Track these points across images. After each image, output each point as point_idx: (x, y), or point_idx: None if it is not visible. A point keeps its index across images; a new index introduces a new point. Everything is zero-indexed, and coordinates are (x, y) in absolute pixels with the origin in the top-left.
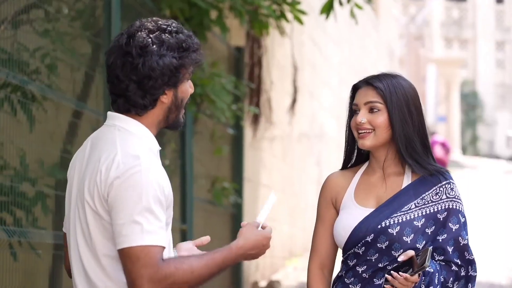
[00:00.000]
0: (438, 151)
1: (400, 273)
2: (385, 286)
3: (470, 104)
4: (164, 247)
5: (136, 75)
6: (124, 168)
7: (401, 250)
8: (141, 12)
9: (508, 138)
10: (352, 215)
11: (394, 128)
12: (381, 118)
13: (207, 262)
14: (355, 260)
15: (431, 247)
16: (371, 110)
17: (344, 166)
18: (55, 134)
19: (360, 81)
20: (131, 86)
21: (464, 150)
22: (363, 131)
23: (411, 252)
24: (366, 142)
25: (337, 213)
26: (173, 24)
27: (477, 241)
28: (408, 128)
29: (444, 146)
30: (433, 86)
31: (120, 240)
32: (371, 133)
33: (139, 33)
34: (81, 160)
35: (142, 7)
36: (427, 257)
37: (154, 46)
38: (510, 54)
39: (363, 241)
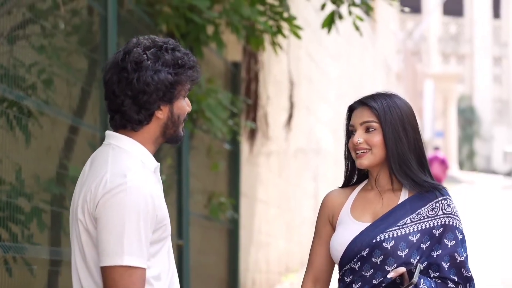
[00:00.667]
0: (436, 168)
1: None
2: None
3: (467, 119)
4: (145, 269)
5: (131, 90)
6: (110, 187)
7: (395, 265)
8: (137, 27)
9: (505, 153)
10: (348, 230)
11: (388, 147)
12: (377, 138)
13: None
14: (351, 276)
15: (420, 264)
16: (367, 130)
17: (345, 185)
18: (51, 149)
19: (355, 102)
20: (126, 101)
21: (461, 165)
22: (360, 151)
23: (401, 269)
24: (364, 162)
25: (334, 229)
26: (170, 42)
27: (474, 256)
28: (403, 147)
29: (443, 163)
30: (430, 101)
31: (103, 258)
32: (367, 153)
33: (135, 49)
34: (81, 179)
35: (138, 22)
36: (416, 273)
37: (149, 61)
38: (507, 69)
39: (358, 256)
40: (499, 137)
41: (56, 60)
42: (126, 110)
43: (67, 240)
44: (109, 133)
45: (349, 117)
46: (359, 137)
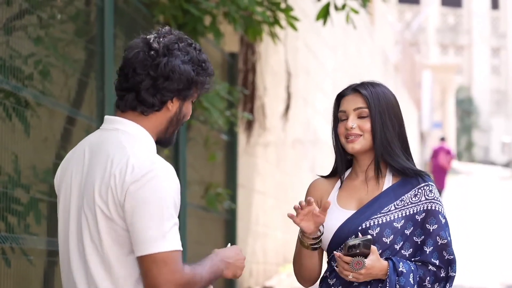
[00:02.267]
0: (441, 158)
1: (335, 251)
2: (335, 267)
3: (466, 110)
4: (181, 251)
5: (155, 71)
6: (141, 173)
7: (380, 251)
8: (134, 18)
9: (503, 144)
10: (334, 217)
11: (375, 133)
12: (369, 124)
13: (208, 268)
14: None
15: (369, 236)
16: (360, 116)
17: (332, 174)
18: (48, 140)
19: (346, 89)
20: (146, 81)
21: (460, 156)
22: (352, 136)
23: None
24: (356, 146)
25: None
26: (197, 44)
27: (472, 247)
28: (389, 133)
29: (448, 153)
30: (428, 92)
31: (143, 247)
32: (360, 137)
33: (169, 36)
34: (79, 166)
35: (135, 13)
36: (355, 239)
37: (180, 52)
38: (506, 60)
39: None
40: (497, 128)
41: (53, 50)
42: (142, 89)
43: None
44: (113, 118)
45: (337, 105)
46: (353, 122)
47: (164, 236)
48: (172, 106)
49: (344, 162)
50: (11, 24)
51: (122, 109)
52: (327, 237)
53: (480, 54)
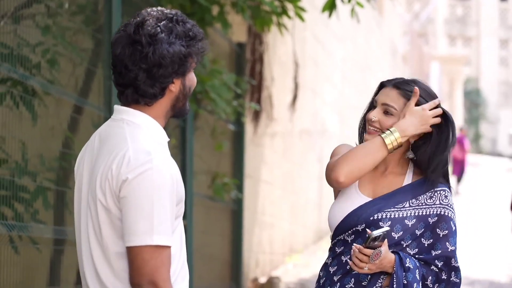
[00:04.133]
0: (455, 148)
1: (354, 244)
2: (348, 260)
3: (473, 101)
4: (170, 247)
5: (146, 63)
6: (136, 164)
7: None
8: (142, 7)
9: (510, 136)
10: (349, 200)
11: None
12: (391, 122)
13: None
14: (342, 248)
15: (388, 228)
16: (385, 112)
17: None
18: (56, 129)
19: (388, 80)
20: (140, 75)
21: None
22: (372, 128)
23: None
24: (370, 139)
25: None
26: (178, 13)
27: (478, 239)
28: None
29: (460, 143)
30: (436, 84)
31: (131, 238)
32: (377, 132)
33: (148, 21)
34: (90, 156)
35: (143, 2)
36: (379, 230)
37: (163, 34)
38: None
39: (353, 229)
40: (505, 120)
41: (60, 40)
42: (140, 84)
43: (71, 219)
44: (120, 108)
45: (377, 92)
46: (375, 114)
47: (152, 230)
48: (175, 87)
49: None
50: (19, 12)
51: (124, 104)
52: (338, 217)
53: (488, 46)
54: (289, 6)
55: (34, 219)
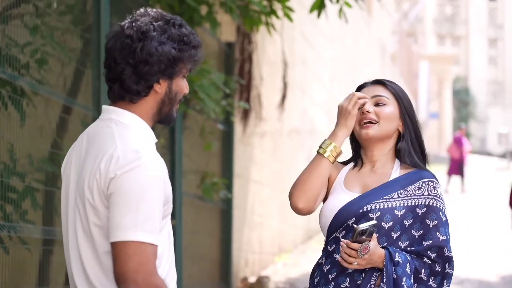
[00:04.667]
0: (452, 148)
1: (342, 239)
2: (337, 256)
3: (462, 100)
4: (157, 246)
5: (133, 58)
6: (124, 163)
7: (377, 236)
8: (130, 7)
9: (500, 135)
10: (338, 198)
11: (406, 119)
12: (387, 110)
13: None
14: (334, 245)
15: (375, 221)
16: (377, 104)
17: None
18: (44, 129)
19: (366, 82)
20: (126, 70)
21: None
22: (367, 121)
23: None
24: (370, 132)
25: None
26: (178, 18)
27: (467, 238)
28: (414, 124)
29: (457, 142)
30: (425, 83)
31: (116, 233)
32: (375, 124)
33: (143, 18)
34: (78, 156)
35: (131, 2)
36: (365, 224)
37: (155, 33)
38: (503, 51)
39: (344, 225)
40: (494, 119)
41: (49, 39)
42: (126, 79)
43: (60, 219)
44: (108, 108)
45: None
46: (370, 106)
47: (136, 226)
48: (160, 88)
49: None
50: (7, 12)
51: (112, 99)
52: (329, 217)
53: (477, 45)
54: (278, 6)
55: (23, 220)
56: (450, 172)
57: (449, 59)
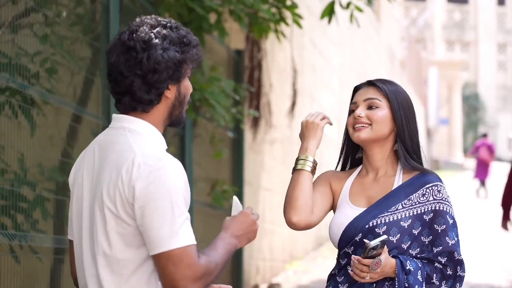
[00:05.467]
0: (483, 153)
1: (353, 256)
2: (349, 271)
3: (472, 106)
4: (196, 244)
5: (141, 69)
6: (147, 170)
7: (387, 250)
8: (139, 16)
9: (509, 140)
10: (344, 214)
11: (398, 122)
12: (379, 113)
13: (221, 251)
14: (346, 260)
15: (385, 236)
16: (369, 107)
17: (342, 169)
18: (54, 138)
19: (362, 83)
20: (136, 82)
21: (466, 153)
22: (359, 125)
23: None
24: (362, 135)
25: (332, 192)
26: (172, 21)
27: (477, 243)
28: (409, 126)
29: (490, 148)
30: (434, 89)
31: (158, 245)
32: (367, 127)
33: (141, 28)
34: (90, 165)
35: (140, 11)
36: (376, 240)
37: (157, 40)
38: None
39: (352, 241)
40: (504, 124)
41: (59, 49)
42: (136, 90)
43: None
44: (119, 116)
45: (353, 97)
46: (361, 111)
47: (177, 233)
48: (170, 93)
49: (353, 160)
50: (17, 22)
51: (122, 111)
52: (337, 233)
53: (486, 50)
54: (287, 13)
55: (34, 229)
56: (483, 176)
57: (458, 65)
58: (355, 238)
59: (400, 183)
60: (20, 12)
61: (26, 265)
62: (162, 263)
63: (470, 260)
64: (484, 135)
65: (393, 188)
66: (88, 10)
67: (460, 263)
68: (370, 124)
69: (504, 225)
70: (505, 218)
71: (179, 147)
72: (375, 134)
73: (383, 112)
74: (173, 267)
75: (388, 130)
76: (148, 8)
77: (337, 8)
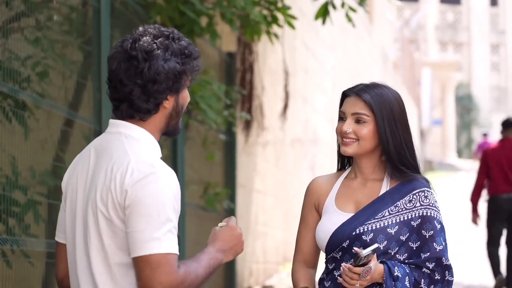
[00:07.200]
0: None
1: (343, 264)
2: (338, 277)
3: (465, 107)
4: (177, 255)
5: (141, 79)
6: (140, 176)
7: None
8: (131, 19)
9: None
10: (331, 220)
11: (383, 138)
12: (366, 130)
13: (204, 264)
14: (333, 264)
15: (377, 245)
16: (357, 121)
17: (341, 168)
18: (46, 142)
19: (349, 90)
20: (135, 90)
21: (460, 153)
22: (347, 139)
23: (345, 265)
24: (348, 150)
25: (320, 215)
26: (175, 31)
27: (470, 244)
28: (395, 139)
29: None
30: (428, 90)
31: (139, 247)
32: (354, 142)
33: (144, 38)
34: (85, 168)
35: (132, 14)
36: (367, 249)
37: (159, 50)
38: (505, 57)
39: (340, 247)
40: (497, 125)
41: (50, 52)
42: (135, 99)
43: None
44: (116, 122)
45: (341, 103)
46: (349, 126)
47: (159, 239)
48: (168, 103)
49: (349, 157)
50: (8, 26)
51: (119, 118)
52: (324, 239)
53: (480, 51)
54: (279, 15)
55: (26, 233)
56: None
57: (451, 66)
58: (343, 244)
59: (387, 188)
60: (10, 16)
61: (18, 269)
62: (140, 267)
63: (463, 261)
64: (485, 135)
65: (380, 194)
66: (79, 13)
67: (448, 268)
68: (358, 140)
69: (474, 220)
70: (474, 212)
71: (171, 150)
72: (362, 150)
73: (369, 127)
74: (150, 272)
75: (374, 144)
76: (139, 12)
77: (329, 9)
